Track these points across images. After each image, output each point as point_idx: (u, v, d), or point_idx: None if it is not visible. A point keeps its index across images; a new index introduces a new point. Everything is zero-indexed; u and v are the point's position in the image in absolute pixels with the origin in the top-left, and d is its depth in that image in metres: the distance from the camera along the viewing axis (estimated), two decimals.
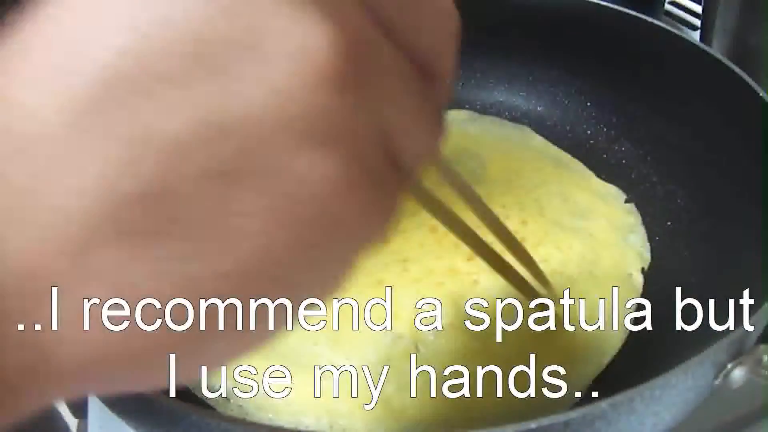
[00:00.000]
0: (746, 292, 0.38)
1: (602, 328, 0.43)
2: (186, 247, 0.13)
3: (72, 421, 0.50)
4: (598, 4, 0.54)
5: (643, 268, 0.48)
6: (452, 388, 0.40)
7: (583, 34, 0.55)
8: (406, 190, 0.18)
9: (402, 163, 0.16)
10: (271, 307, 0.15)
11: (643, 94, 0.55)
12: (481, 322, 0.43)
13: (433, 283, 0.44)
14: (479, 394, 0.40)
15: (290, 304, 0.16)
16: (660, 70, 0.53)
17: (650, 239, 0.50)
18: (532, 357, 0.41)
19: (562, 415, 0.28)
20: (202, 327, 0.14)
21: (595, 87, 0.58)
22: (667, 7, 0.76)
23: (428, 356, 0.41)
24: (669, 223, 0.50)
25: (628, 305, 0.45)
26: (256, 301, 0.15)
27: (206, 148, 0.13)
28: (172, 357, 0.14)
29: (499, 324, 0.43)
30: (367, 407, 0.40)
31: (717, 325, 0.36)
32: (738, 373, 0.33)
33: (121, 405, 0.35)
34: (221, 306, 0.14)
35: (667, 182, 0.52)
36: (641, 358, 0.42)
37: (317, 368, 0.41)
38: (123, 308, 0.13)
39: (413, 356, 0.41)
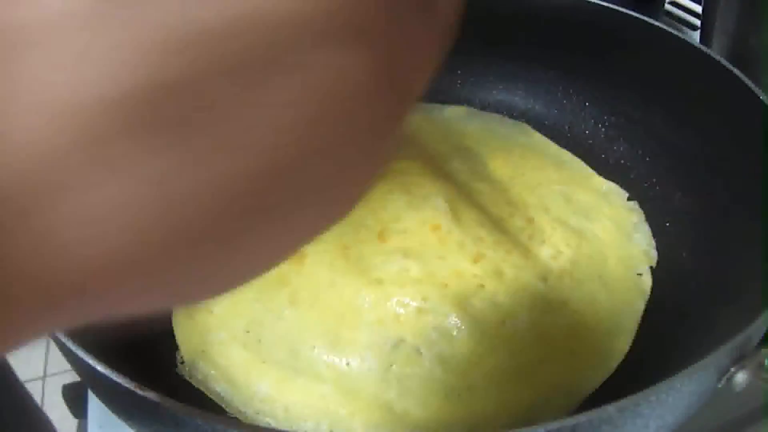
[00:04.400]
0: (747, 295, 0.38)
1: (611, 331, 0.43)
2: (207, 141, 0.12)
3: (72, 422, 0.50)
4: (598, 4, 0.54)
5: (651, 267, 0.48)
6: (455, 392, 0.40)
7: (582, 33, 0.55)
8: (406, 114, 0.16)
9: (408, 78, 0.15)
10: (283, 216, 0.14)
11: (642, 95, 0.55)
12: (487, 325, 0.42)
13: (436, 285, 0.44)
14: (483, 398, 0.39)
15: (302, 216, 0.15)
16: (659, 71, 0.53)
17: None
18: (539, 361, 0.41)
19: (569, 419, 0.28)
20: (221, 235, 0.13)
21: (593, 87, 0.58)
22: (667, 7, 0.76)
23: (431, 360, 0.41)
24: (668, 224, 0.51)
25: (636, 308, 0.45)
26: (270, 207, 0.14)
27: (234, 40, 0.12)
28: (184, 270, 0.13)
29: (505, 328, 0.42)
30: (367, 412, 0.39)
31: (719, 329, 0.36)
32: (740, 377, 0.33)
33: (124, 407, 0.35)
34: (242, 209, 0.13)
35: (665, 183, 0.53)
36: (645, 362, 0.42)
37: (316, 372, 0.41)
38: (138, 209, 0.12)
39: (415, 360, 0.41)
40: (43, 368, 1.29)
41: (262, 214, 0.14)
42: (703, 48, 0.49)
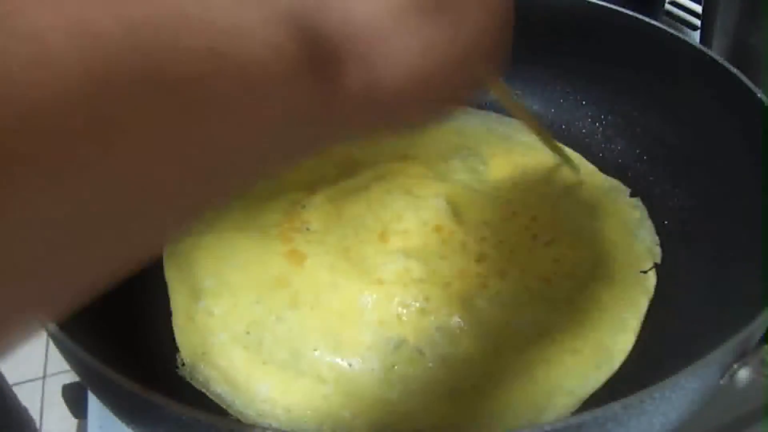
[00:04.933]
0: (748, 293, 0.39)
1: (614, 330, 0.43)
2: (447, 22, 0.24)
3: (72, 422, 0.50)
4: (598, 4, 0.54)
5: (656, 264, 0.48)
6: (458, 392, 0.40)
7: (582, 33, 0.55)
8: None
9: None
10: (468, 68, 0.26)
11: (640, 94, 0.55)
12: (490, 325, 0.42)
13: (438, 285, 0.43)
14: (487, 397, 0.39)
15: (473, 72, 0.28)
16: (657, 70, 0.53)
17: None
18: (542, 361, 0.41)
19: (575, 418, 0.28)
20: (448, 73, 0.25)
21: (591, 86, 0.58)
22: (667, 7, 0.76)
23: (433, 360, 0.41)
24: (666, 223, 0.51)
25: (640, 306, 0.45)
26: (462, 66, 0.25)
27: None
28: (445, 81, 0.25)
29: (509, 328, 0.42)
30: (370, 413, 0.39)
31: (720, 326, 0.36)
32: (743, 374, 0.33)
33: (125, 408, 0.35)
34: (455, 62, 0.25)
35: (664, 182, 0.53)
36: (646, 361, 0.42)
37: (318, 374, 0.41)
38: (421, 54, 0.23)
39: (418, 360, 0.41)
40: (43, 368, 1.29)
41: (459, 70, 0.25)
42: (703, 48, 0.49)
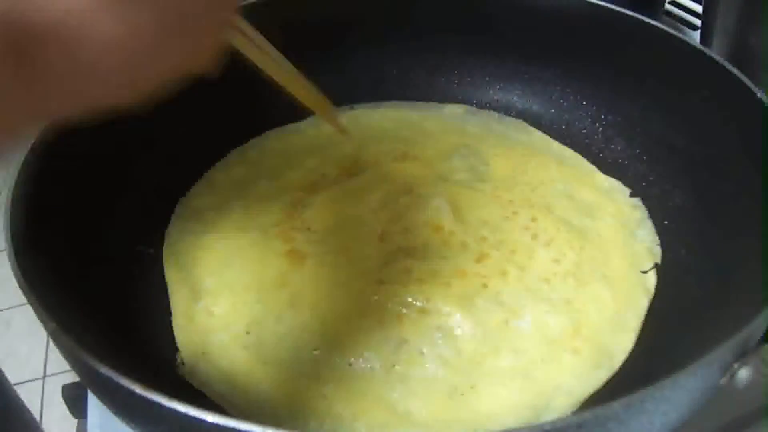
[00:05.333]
0: (748, 292, 0.39)
1: (615, 330, 0.43)
2: (146, 5, 0.24)
3: (72, 422, 0.50)
4: (598, 4, 0.54)
5: (656, 264, 0.48)
6: (458, 392, 0.40)
7: (581, 33, 0.56)
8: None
9: None
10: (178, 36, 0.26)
11: (640, 94, 0.55)
12: (490, 325, 0.42)
13: (438, 284, 0.43)
14: (486, 397, 0.39)
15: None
16: (656, 70, 0.53)
17: None
18: (542, 360, 0.41)
19: (576, 417, 0.28)
20: (150, 49, 0.25)
21: (590, 86, 0.58)
22: (668, 7, 0.77)
23: (433, 360, 0.41)
24: (666, 222, 0.51)
25: (641, 306, 0.45)
26: (165, 42, 0.26)
27: None
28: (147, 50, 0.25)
29: (508, 328, 0.42)
30: (370, 412, 0.39)
31: (721, 326, 0.36)
32: (743, 373, 0.33)
33: (125, 408, 0.35)
34: (158, 37, 0.25)
35: (663, 182, 0.53)
36: (646, 361, 0.42)
37: (318, 373, 0.41)
38: (122, 34, 0.24)
39: (418, 360, 0.41)
40: (43, 368, 1.29)
41: (163, 46, 0.25)
42: (703, 48, 0.49)
